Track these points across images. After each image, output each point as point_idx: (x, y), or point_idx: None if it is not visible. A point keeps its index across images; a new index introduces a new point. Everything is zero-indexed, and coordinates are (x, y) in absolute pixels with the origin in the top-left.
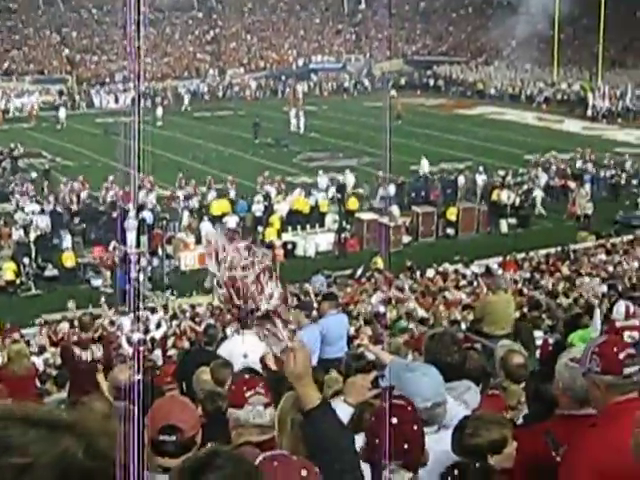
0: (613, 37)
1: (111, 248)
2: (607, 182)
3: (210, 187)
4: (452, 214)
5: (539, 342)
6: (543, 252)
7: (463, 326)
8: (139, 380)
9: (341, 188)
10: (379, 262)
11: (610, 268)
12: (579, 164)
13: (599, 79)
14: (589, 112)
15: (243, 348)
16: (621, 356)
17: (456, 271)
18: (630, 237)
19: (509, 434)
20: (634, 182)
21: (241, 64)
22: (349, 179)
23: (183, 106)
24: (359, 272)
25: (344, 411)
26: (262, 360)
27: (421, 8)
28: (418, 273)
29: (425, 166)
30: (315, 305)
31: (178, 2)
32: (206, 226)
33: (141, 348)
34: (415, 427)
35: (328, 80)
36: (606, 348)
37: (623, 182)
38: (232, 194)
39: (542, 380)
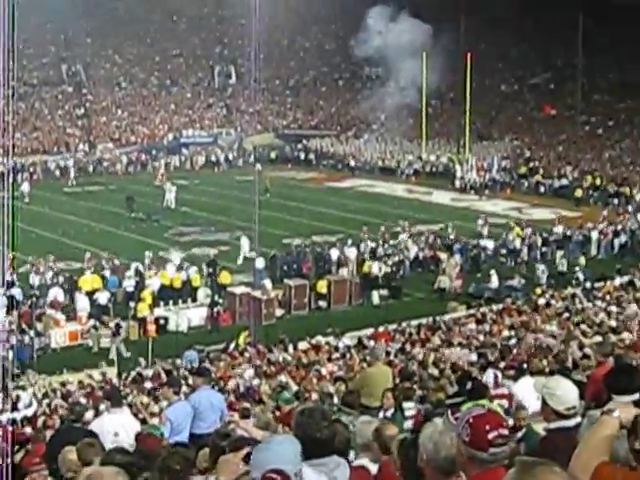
0: (479, 110)
1: None
2: (469, 254)
3: (82, 263)
4: (323, 287)
5: (412, 412)
6: (415, 322)
7: (336, 399)
8: (7, 463)
9: (212, 263)
10: (241, 338)
11: (481, 337)
12: (450, 235)
13: (466, 151)
14: (457, 184)
15: (114, 426)
16: (490, 436)
17: (328, 343)
18: (500, 306)
19: None
20: (502, 251)
21: (111, 139)
22: (244, 244)
23: (53, 181)
24: (232, 346)
25: None
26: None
27: (291, 82)
28: (291, 346)
29: None
30: (185, 381)
31: (48, 76)
32: (81, 301)
33: (10, 428)
34: None
35: (199, 154)
36: (479, 422)
37: (490, 253)
38: (104, 269)
39: (411, 450)
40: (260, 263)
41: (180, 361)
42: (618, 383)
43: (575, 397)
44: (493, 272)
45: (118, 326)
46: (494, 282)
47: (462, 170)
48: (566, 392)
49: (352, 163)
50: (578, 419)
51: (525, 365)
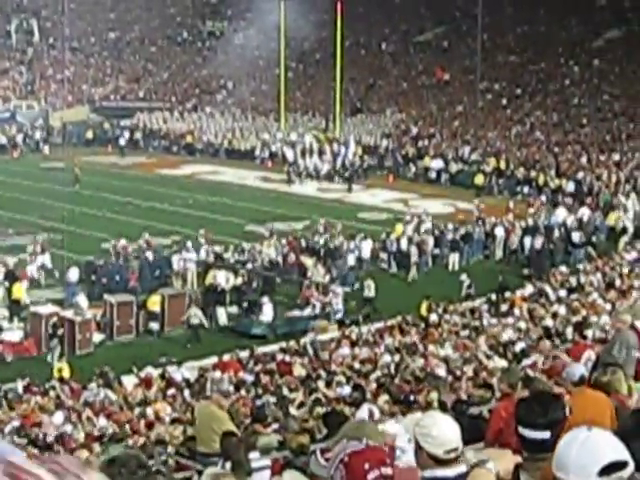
0: (353, 75)
1: None
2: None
3: None
4: (155, 304)
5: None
6: (272, 348)
7: (170, 448)
8: None
9: (9, 275)
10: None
11: (356, 364)
12: (316, 236)
13: (337, 128)
14: (324, 170)
15: None
16: (370, 476)
17: (163, 376)
18: (379, 325)
19: None
20: (382, 255)
21: None
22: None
23: None
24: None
25: None
26: None
27: (111, 40)
28: (115, 381)
29: None
30: None
31: None
32: None
33: None
34: None
35: None
36: (356, 461)
37: (367, 257)
38: None
39: None
40: (73, 274)
41: None
42: (529, 414)
43: (457, 437)
44: (370, 282)
45: None
46: (371, 294)
47: (331, 152)
48: (444, 431)
49: (191, 144)
50: (462, 468)
51: (412, 398)
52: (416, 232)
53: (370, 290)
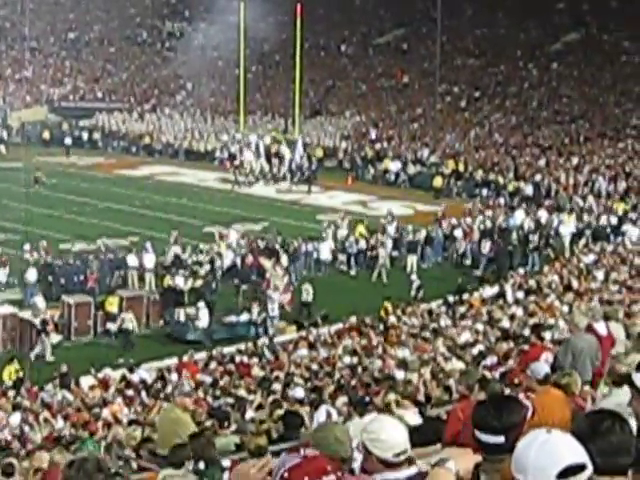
0: (313, 77)
1: None
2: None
3: None
4: (113, 305)
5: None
6: (231, 349)
7: (127, 451)
8: None
9: None
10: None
11: (314, 366)
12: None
13: (296, 130)
14: (283, 171)
15: None
16: None
17: (124, 378)
18: (339, 326)
19: None
20: (341, 257)
21: None
22: None
23: None
24: None
25: None
26: None
27: (70, 40)
28: (72, 383)
29: None
30: None
31: None
32: None
33: None
34: None
35: None
36: (296, 474)
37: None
38: None
39: None
40: (31, 275)
41: None
42: (485, 418)
43: (405, 439)
44: (308, 287)
45: None
46: (309, 298)
47: (290, 154)
48: (393, 434)
49: (150, 145)
50: (412, 470)
51: (368, 399)
52: (380, 234)
53: (308, 294)
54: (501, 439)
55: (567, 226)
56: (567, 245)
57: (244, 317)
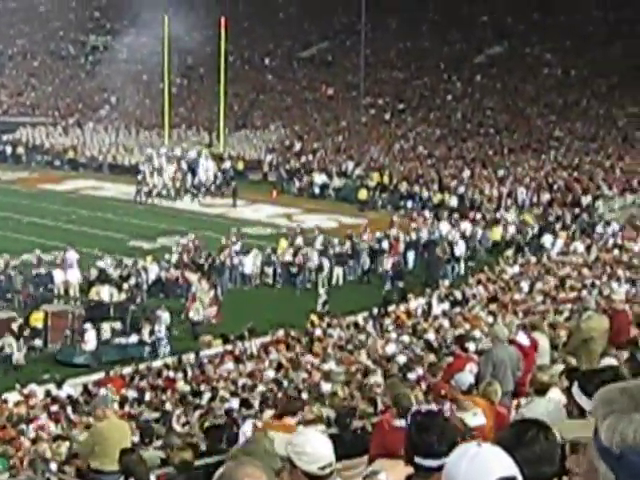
0: (237, 90)
1: None
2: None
3: None
4: (38, 320)
5: None
6: (156, 364)
7: (53, 466)
8: None
9: None
10: None
11: (241, 381)
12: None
13: (221, 143)
14: (207, 184)
15: None
16: None
17: (48, 394)
18: (265, 340)
19: None
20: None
21: None
22: None
23: None
24: None
25: None
26: None
27: None
28: None
29: None
30: None
31: None
32: None
33: None
34: None
35: None
36: None
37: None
38: None
39: None
40: None
41: None
42: (427, 445)
43: (330, 452)
44: None
45: None
46: None
47: (214, 167)
48: (317, 447)
49: (74, 159)
50: None
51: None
52: (307, 246)
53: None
54: (443, 460)
55: (492, 237)
56: (492, 256)
57: (133, 338)
